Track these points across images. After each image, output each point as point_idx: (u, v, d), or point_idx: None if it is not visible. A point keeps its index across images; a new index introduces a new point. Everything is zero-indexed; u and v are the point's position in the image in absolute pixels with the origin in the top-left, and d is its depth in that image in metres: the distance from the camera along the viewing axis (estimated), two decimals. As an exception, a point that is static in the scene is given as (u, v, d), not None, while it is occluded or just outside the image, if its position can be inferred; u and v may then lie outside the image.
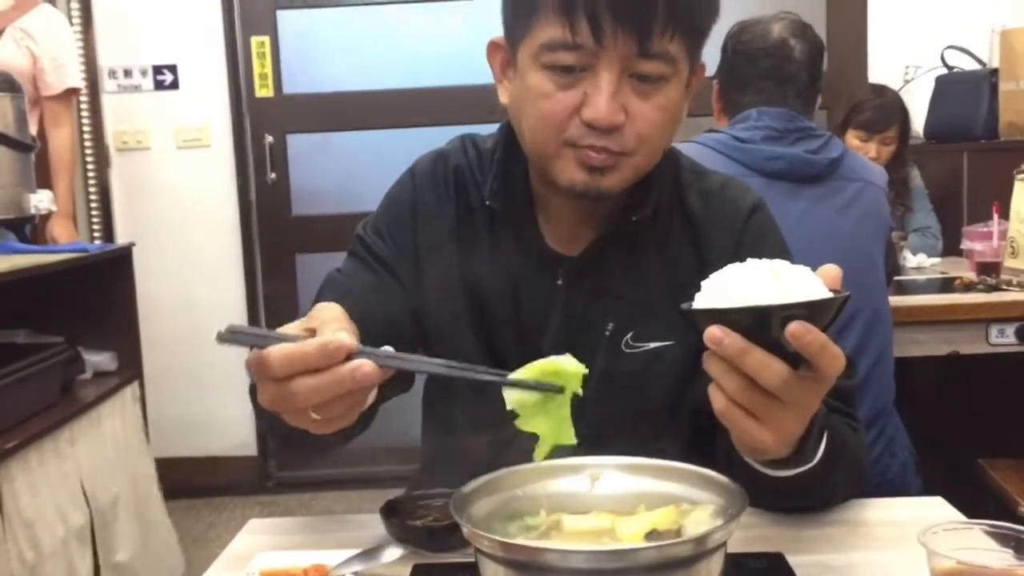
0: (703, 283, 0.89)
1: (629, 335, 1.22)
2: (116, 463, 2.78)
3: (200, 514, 3.86)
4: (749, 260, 0.87)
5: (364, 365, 0.85)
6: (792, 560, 1.04)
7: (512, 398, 0.93)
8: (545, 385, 0.93)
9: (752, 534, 1.10)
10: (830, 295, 0.83)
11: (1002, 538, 0.80)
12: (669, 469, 0.98)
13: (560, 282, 1.23)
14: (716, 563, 0.85)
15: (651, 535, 0.89)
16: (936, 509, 1.20)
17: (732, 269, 0.87)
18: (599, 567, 0.80)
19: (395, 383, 1.23)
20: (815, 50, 2.01)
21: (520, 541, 0.86)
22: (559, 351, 1.15)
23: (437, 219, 1.27)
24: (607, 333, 1.21)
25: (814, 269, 1.20)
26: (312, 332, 0.88)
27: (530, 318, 1.23)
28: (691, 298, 0.91)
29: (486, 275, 1.25)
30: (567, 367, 0.92)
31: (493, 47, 1.20)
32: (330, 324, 0.88)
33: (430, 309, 1.27)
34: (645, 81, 1.08)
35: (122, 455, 2.83)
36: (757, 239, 1.24)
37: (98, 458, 2.67)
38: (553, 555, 0.81)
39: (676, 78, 1.10)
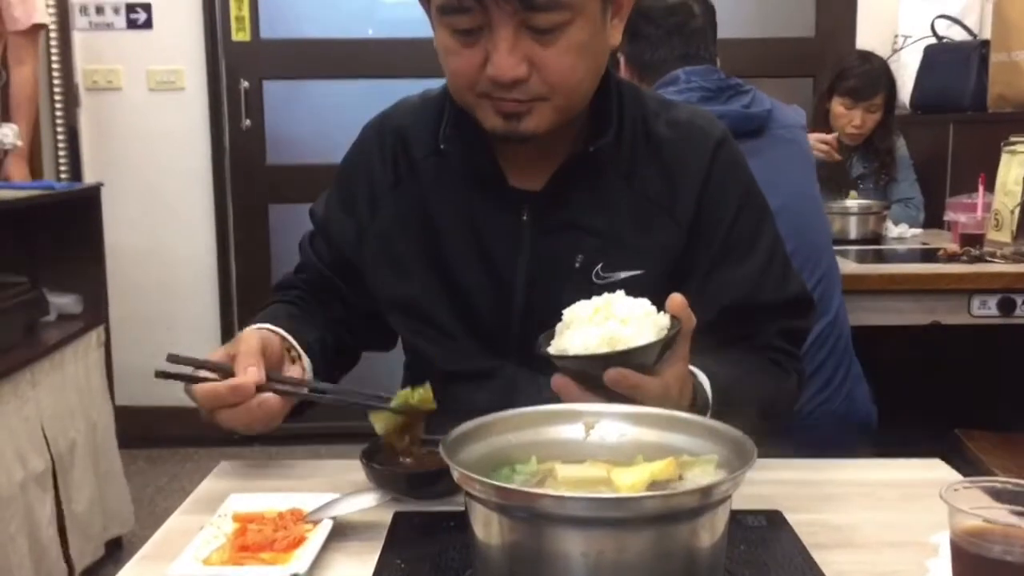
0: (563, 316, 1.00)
1: (599, 266, 1.20)
2: (77, 409, 2.71)
3: (165, 465, 3.79)
4: (594, 299, 1.00)
5: (268, 400, 1.06)
6: (791, 519, 1.00)
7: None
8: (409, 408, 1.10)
9: (748, 491, 1.05)
10: (650, 341, 0.96)
11: (1019, 497, 0.76)
12: (669, 418, 0.93)
13: (525, 218, 1.21)
14: (721, 517, 0.80)
15: (650, 487, 0.85)
16: (935, 471, 1.16)
17: (579, 308, 1.00)
18: (600, 515, 0.75)
19: (369, 345, 1.38)
20: (710, 9, 2.07)
21: (516, 486, 0.81)
22: (529, 288, 1.22)
23: (379, 181, 1.27)
24: (576, 266, 1.20)
25: None
26: (234, 357, 1.08)
27: (498, 258, 1.22)
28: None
29: (444, 223, 1.23)
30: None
31: None
32: (243, 359, 1.07)
33: (384, 271, 1.27)
34: (543, 31, 1.06)
35: (84, 401, 2.76)
36: (726, 172, 1.24)
37: (60, 403, 2.60)
38: (550, 502, 0.76)
39: (580, 17, 1.08)
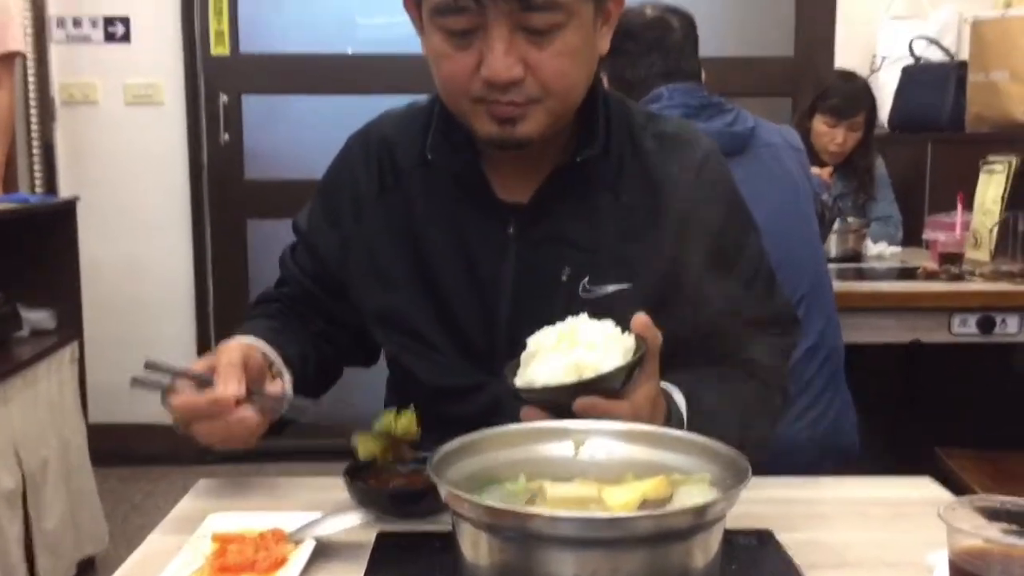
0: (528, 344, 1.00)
1: (585, 280, 1.19)
2: (50, 426, 2.66)
3: (138, 483, 3.73)
4: (558, 325, 0.99)
5: (247, 417, 1.03)
6: (782, 538, 0.99)
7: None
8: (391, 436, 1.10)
9: (736, 510, 1.03)
10: (616, 366, 0.94)
11: (1018, 516, 0.75)
12: (660, 436, 0.92)
13: (511, 231, 1.20)
14: (715, 537, 0.79)
15: (643, 506, 0.83)
16: (924, 489, 1.15)
17: (543, 336, 0.99)
18: (593, 535, 0.73)
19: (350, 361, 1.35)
20: (689, 23, 2.06)
21: (506, 505, 0.79)
22: (515, 301, 1.20)
23: (364, 191, 1.26)
24: (563, 279, 1.19)
25: None
26: (214, 369, 1.05)
27: (484, 271, 1.21)
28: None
29: (429, 234, 1.22)
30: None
31: (407, 1, 1.17)
32: (224, 372, 1.04)
33: (369, 282, 1.25)
34: (538, 33, 1.06)
35: (56, 418, 2.71)
36: (713, 185, 1.24)
37: (32, 420, 2.55)
38: (542, 521, 0.74)
39: (574, 20, 1.08)
